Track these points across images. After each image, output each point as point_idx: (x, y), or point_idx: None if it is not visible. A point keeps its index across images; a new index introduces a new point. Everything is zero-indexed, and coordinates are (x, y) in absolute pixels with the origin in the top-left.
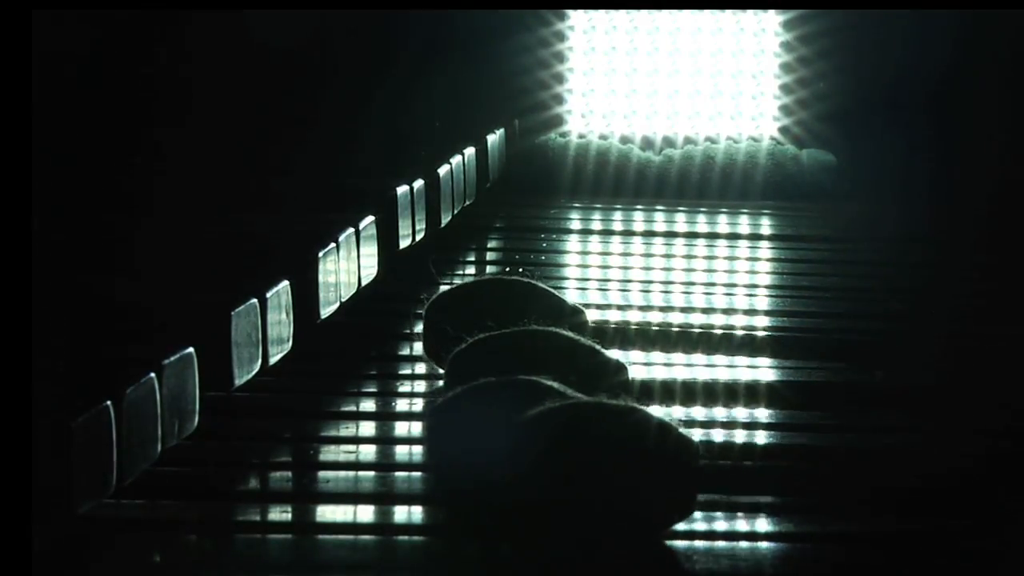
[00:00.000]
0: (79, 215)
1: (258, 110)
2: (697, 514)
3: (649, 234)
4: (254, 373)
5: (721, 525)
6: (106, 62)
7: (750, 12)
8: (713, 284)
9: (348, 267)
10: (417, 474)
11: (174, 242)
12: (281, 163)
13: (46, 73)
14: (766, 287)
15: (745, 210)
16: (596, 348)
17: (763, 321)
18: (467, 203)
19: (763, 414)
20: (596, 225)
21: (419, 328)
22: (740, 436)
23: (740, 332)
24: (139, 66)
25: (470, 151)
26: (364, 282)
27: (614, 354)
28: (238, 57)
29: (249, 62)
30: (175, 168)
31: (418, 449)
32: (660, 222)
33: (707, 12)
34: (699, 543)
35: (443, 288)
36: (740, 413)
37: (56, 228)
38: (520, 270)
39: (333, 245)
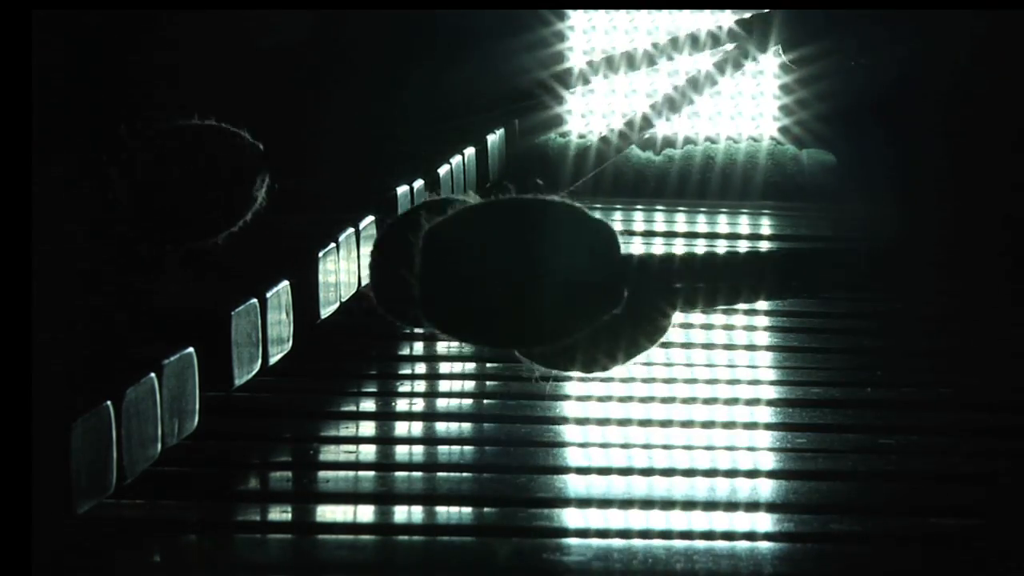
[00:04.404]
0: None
1: (259, 110)
2: (698, 514)
3: (649, 234)
4: (254, 373)
5: (722, 525)
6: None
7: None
8: None
9: (348, 267)
10: (417, 474)
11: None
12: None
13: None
14: None
15: (745, 210)
16: None
17: (763, 321)
18: None
19: (763, 413)
20: None
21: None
22: (738, 434)
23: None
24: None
25: (470, 151)
26: (364, 282)
27: None
28: (238, 57)
29: (250, 62)
30: None
31: (418, 449)
32: (660, 222)
33: (707, 12)
34: (699, 543)
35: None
36: (739, 413)
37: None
38: None
39: (333, 245)
